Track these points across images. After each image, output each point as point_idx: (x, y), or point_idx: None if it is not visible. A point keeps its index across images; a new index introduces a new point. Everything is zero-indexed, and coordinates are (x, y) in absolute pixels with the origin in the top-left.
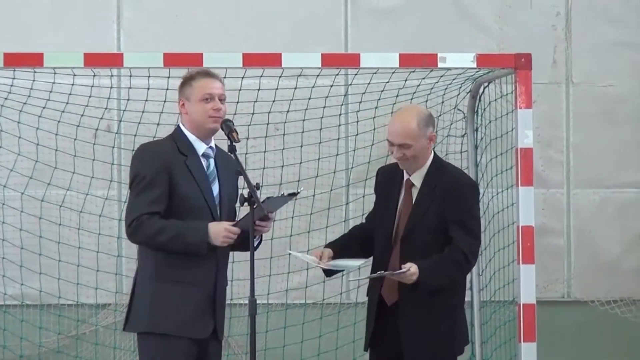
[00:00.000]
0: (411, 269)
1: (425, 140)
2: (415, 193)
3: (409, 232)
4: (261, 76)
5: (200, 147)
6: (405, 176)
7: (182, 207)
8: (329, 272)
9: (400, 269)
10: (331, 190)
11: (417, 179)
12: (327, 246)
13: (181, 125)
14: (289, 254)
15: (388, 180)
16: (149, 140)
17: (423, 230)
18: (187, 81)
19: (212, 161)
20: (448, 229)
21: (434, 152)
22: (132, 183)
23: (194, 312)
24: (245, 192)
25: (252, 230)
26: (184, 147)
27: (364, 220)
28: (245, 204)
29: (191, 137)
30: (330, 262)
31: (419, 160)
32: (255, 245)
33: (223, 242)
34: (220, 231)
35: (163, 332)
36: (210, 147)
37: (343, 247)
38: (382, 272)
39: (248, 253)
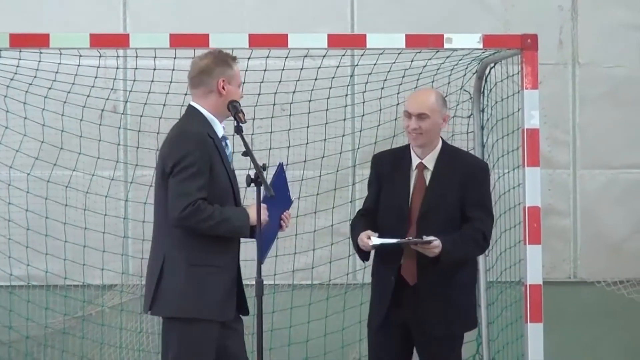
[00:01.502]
0: (435, 242)
1: (440, 119)
2: (428, 175)
3: (424, 214)
4: (267, 57)
5: (220, 130)
6: (416, 159)
7: (213, 190)
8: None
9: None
10: (337, 171)
11: (429, 162)
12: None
13: (199, 107)
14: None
15: (392, 164)
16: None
17: (439, 211)
18: (227, 62)
19: (228, 143)
20: (466, 210)
21: (441, 137)
22: (178, 166)
23: (222, 295)
24: (252, 173)
25: (258, 211)
26: (211, 130)
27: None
28: (252, 184)
29: (212, 119)
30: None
31: (432, 138)
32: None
33: (263, 222)
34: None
35: (194, 317)
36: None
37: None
38: (410, 238)
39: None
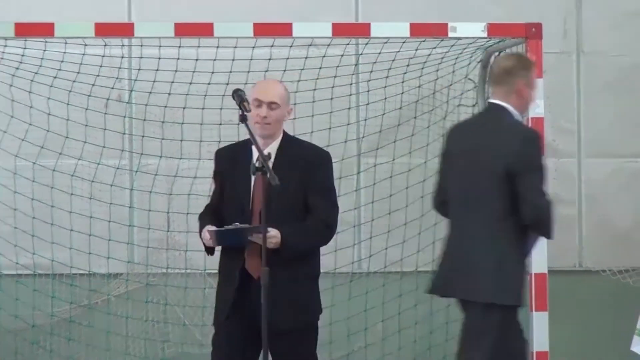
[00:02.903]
0: (272, 232)
1: (286, 110)
2: (270, 164)
3: (266, 205)
4: (272, 46)
5: None
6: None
7: None
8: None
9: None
10: (342, 159)
11: (272, 150)
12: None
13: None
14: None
15: (231, 158)
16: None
17: (281, 201)
18: (528, 67)
19: None
20: (308, 199)
21: (283, 130)
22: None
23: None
24: (258, 162)
25: (263, 200)
26: None
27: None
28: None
29: (517, 117)
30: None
31: (277, 129)
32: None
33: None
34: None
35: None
36: None
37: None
38: (240, 225)
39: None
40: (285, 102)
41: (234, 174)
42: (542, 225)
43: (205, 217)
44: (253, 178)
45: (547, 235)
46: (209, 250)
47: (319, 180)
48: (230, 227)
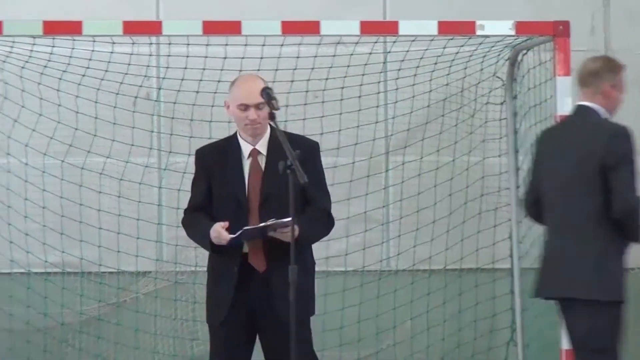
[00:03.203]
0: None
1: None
2: (262, 161)
3: (265, 199)
4: (300, 44)
5: None
6: (247, 147)
7: None
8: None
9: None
10: (370, 157)
11: (262, 147)
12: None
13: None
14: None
15: (218, 155)
16: (187, 107)
17: (280, 195)
18: (614, 70)
19: None
20: (306, 191)
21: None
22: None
23: None
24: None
25: (292, 197)
26: None
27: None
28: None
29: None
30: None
31: (264, 126)
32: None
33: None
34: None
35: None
36: None
37: None
38: (273, 220)
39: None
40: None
41: (225, 170)
42: (629, 220)
43: (201, 219)
44: (247, 173)
45: (634, 236)
46: (216, 249)
47: (314, 171)
48: (260, 225)
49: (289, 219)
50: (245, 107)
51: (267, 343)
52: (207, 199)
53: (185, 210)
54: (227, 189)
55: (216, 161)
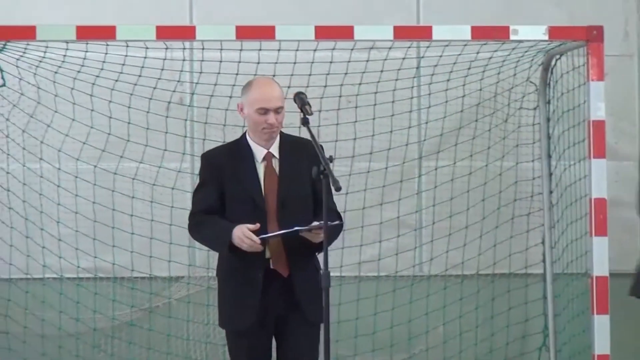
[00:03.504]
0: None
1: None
2: (276, 164)
3: (282, 203)
4: (333, 49)
5: None
6: (260, 150)
7: None
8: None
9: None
10: (403, 162)
11: (275, 150)
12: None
13: None
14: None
15: (229, 158)
16: (220, 112)
17: (296, 199)
18: None
19: None
20: (317, 196)
21: None
22: None
23: None
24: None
25: (325, 204)
26: None
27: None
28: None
29: None
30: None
31: (279, 130)
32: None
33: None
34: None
35: None
36: None
37: None
38: (305, 227)
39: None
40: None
41: (239, 173)
42: None
43: (217, 219)
44: (262, 176)
45: None
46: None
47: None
48: (283, 231)
49: (317, 223)
50: (264, 111)
51: (288, 348)
52: (218, 202)
53: (192, 215)
54: (243, 192)
55: (228, 164)
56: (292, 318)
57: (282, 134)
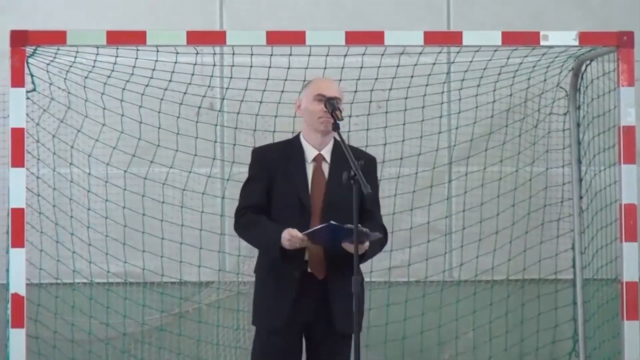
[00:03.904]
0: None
1: None
2: (326, 167)
3: (327, 207)
4: (364, 54)
5: None
6: (312, 151)
7: None
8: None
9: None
10: (434, 168)
11: (327, 153)
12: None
13: None
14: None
15: (281, 155)
16: (250, 117)
17: (341, 205)
18: None
19: None
20: (365, 201)
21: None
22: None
23: None
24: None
25: (356, 210)
26: None
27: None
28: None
29: None
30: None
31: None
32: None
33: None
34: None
35: None
36: None
37: None
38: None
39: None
40: None
41: (288, 171)
42: None
43: (266, 222)
44: (310, 175)
45: None
46: (283, 254)
47: (373, 185)
48: (348, 225)
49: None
50: (322, 97)
51: (318, 352)
52: (265, 199)
53: (239, 210)
54: (291, 191)
55: (279, 161)
56: (323, 327)
57: (335, 141)
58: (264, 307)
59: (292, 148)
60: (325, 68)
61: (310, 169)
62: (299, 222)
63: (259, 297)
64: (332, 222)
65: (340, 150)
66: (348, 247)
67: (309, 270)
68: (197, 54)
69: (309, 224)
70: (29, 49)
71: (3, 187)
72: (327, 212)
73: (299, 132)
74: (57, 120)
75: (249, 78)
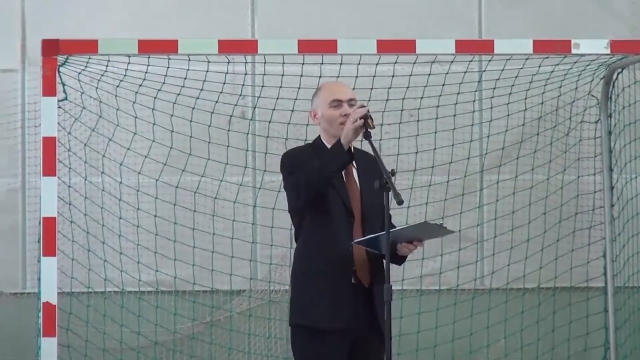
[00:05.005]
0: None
1: None
2: (354, 173)
3: (367, 211)
4: (395, 62)
5: None
6: None
7: None
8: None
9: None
10: (465, 176)
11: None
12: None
13: None
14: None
15: (316, 156)
16: (282, 125)
17: (375, 207)
18: None
19: None
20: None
21: None
22: None
23: None
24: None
25: (387, 216)
26: None
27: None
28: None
29: None
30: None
31: None
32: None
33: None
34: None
35: None
36: None
37: None
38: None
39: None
40: None
41: None
42: None
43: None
44: (345, 180)
45: None
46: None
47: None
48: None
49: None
50: (338, 103)
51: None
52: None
53: (295, 180)
54: (333, 195)
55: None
56: (369, 333)
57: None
58: (314, 305)
59: (321, 152)
60: (357, 77)
61: (342, 173)
62: (345, 228)
63: (307, 295)
64: (426, 220)
65: (360, 154)
66: (404, 248)
67: (357, 277)
68: (228, 62)
69: (352, 229)
70: (60, 58)
71: (35, 195)
72: (367, 218)
73: (318, 136)
74: (88, 129)
75: (281, 87)
